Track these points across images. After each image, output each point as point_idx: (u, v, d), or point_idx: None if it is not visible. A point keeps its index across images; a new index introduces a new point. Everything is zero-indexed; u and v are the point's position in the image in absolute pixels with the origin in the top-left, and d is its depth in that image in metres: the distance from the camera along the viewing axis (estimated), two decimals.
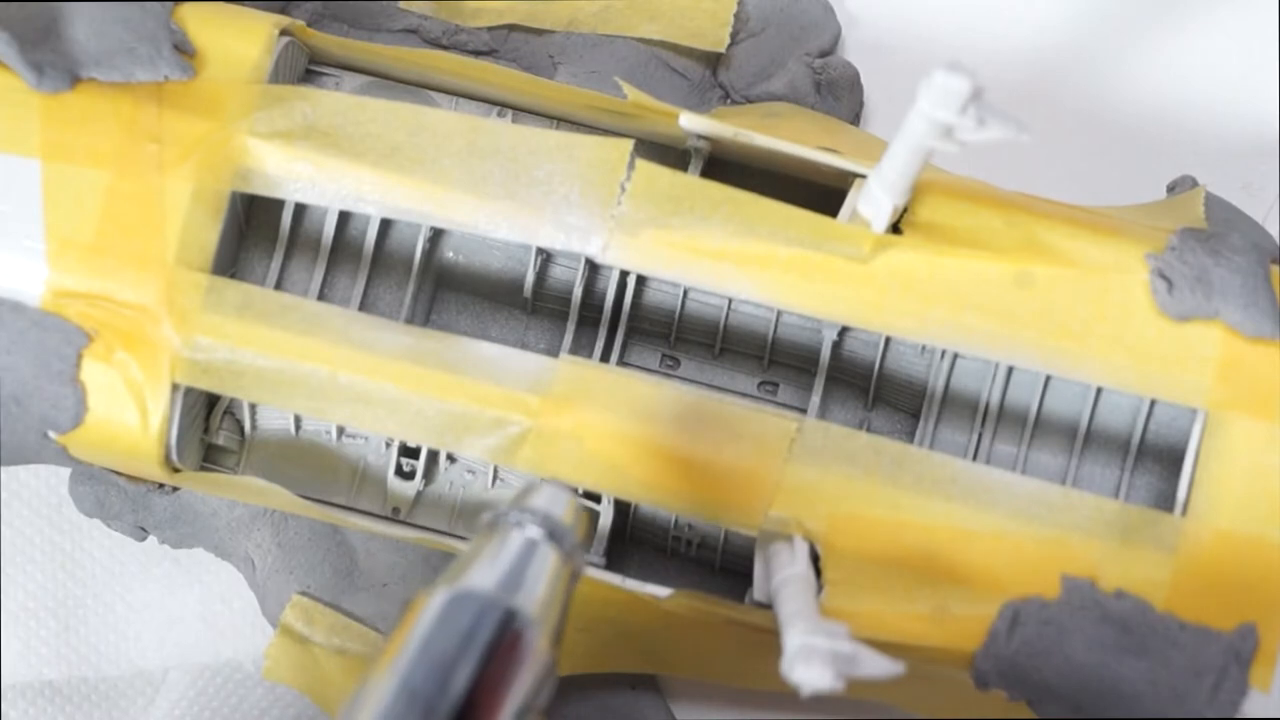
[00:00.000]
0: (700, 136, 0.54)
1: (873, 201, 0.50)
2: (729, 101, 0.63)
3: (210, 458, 0.56)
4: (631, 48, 0.62)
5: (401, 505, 0.56)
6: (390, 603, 0.58)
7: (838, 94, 0.62)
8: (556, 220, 0.51)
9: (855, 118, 0.63)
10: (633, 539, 0.57)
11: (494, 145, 0.51)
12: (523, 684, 0.42)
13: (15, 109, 0.51)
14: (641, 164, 0.51)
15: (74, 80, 0.52)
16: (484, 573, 0.44)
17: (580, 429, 0.51)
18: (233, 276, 0.54)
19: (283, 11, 0.61)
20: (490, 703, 0.41)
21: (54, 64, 0.51)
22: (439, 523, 0.56)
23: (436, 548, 0.55)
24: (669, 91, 0.62)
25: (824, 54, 0.63)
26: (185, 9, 0.53)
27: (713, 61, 0.62)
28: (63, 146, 0.51)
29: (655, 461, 0.51)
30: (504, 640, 0.42)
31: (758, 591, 0.51)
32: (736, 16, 0.62)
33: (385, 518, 0.56)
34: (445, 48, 0.62)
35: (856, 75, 0.63)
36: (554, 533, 0.45)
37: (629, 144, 0.51)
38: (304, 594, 0.58)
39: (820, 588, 0.50)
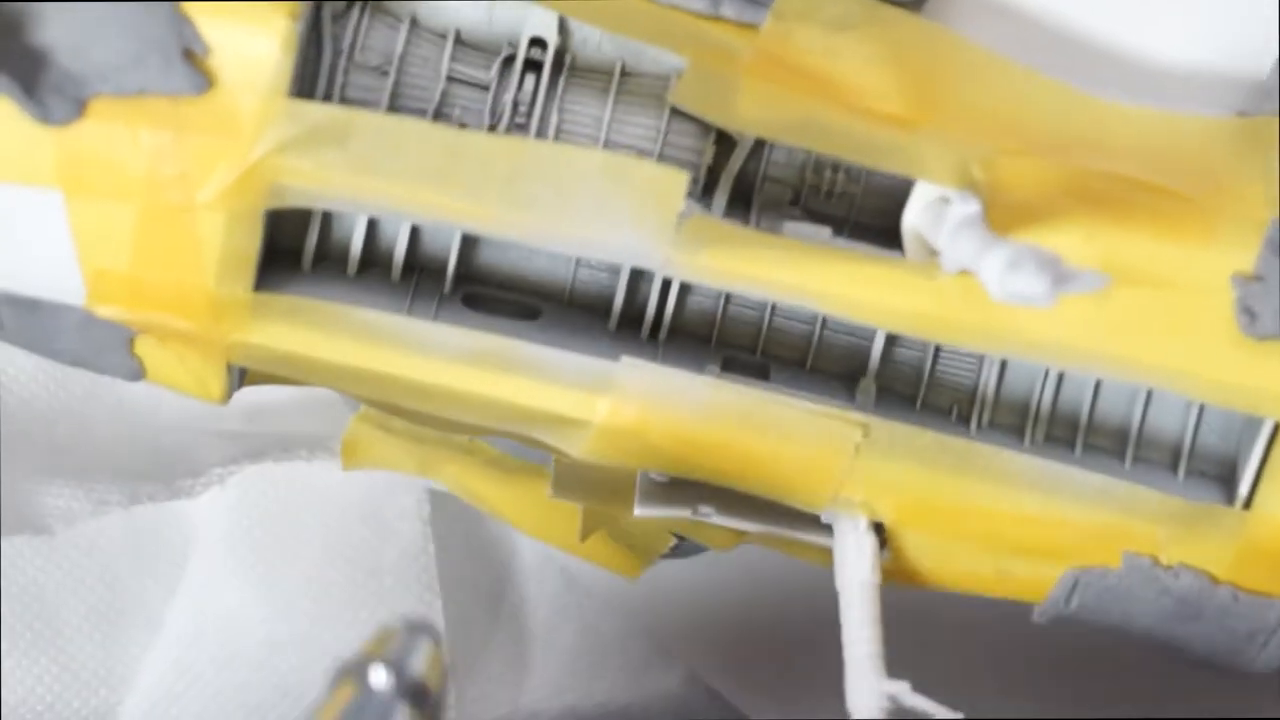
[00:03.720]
0: None
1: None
2: None
3: None
4: None
5: None
6: None
7: None
8: (606, 243, 0.48)
9: None
10: None
11: (538, 167, 0.48)
12: None
13: (28, 141, 0.47)
14: (694, 220, 0.48)
15: (82, 104, 0.47)
16: None
17: (643, 426, 0.50)
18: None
19: None
20: None
21: (59, 89, 0.47)
22: None
23: None
24: None
25: None
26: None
27: None
28: (84, 181, 0.48)
29: (719, 455, 0.51)
30: None
31: None
32: None
33: None
34: None
35: None
36: (410, 690, 0.40)
37: (684, 178, 0.47)
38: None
39: (884, 547, 0.52)
